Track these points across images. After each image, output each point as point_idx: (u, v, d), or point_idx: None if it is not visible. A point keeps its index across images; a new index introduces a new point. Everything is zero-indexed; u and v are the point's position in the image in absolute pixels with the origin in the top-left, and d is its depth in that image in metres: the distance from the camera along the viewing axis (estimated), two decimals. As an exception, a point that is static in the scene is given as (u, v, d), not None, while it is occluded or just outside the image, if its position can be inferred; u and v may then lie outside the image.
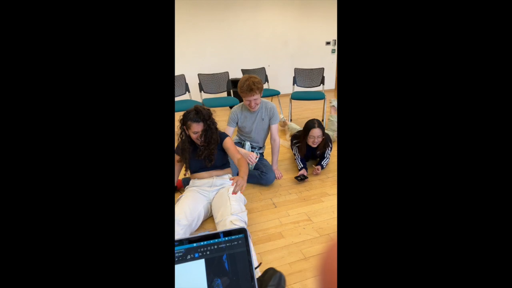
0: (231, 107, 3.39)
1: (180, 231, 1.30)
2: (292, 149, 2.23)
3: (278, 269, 1.11)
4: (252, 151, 2.11)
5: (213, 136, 1.54)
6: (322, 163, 2.14)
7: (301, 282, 1.18)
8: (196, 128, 1.49)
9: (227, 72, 3.55)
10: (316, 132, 2.03)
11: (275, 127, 2.03)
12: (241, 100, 2.35)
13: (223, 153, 1.66)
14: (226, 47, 4.56)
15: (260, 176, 1.95)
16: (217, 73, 3.48)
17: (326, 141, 2.11)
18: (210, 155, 1.56)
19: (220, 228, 1.35)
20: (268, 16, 4.66)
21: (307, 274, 1.21)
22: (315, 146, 2.09)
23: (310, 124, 2.06)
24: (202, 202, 1.51)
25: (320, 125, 2.06)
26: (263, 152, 2.20)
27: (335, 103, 3.06)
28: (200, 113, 1.50)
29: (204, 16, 4.29)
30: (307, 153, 2.18)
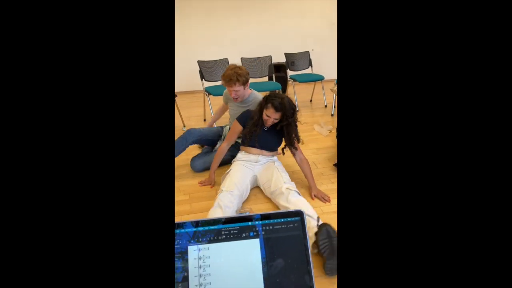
0: (272, 92, 3.35)
1: (234, 201, 1.43)
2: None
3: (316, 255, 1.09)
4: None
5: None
6: None
7: None
8: (274, 115, 1.57)
9: (270, 56, 3.48)
10: None
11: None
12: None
13: (279, 136, 1.70)
14: (270, 30, 4.46)
15: None
16: (260, 57, 3.44)
17: None
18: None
19: (277, 197, 1.47)
20: (315, -3, 4.42)
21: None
22: None
23: None
24: (249, 175, 1.63)
25: None
26: None
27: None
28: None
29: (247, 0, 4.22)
30: None
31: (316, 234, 1.13)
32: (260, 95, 1.92)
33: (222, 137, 2.04)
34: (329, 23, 4.57)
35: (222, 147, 1.76)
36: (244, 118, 1.71)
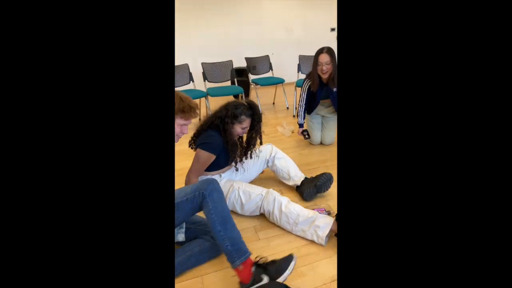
0: (235, 96, 3.38)
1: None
2: (301, 89, 2.15)
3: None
4: None
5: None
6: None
7: (310, 264, 1.20)
8: (247, 124, 1.48)
9: (231, 61, 3.52)
10: (323, 58, 1.91)
11: None
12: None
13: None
14: (230, 35, 4.50)
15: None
16: (221, 62, 3.46)
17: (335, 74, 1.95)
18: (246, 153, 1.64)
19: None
20: (272, 3, 4.57)
21: (315, 257, 1.24)
22: (325, 75, 1.98)
23: (318, 51, 1.95)
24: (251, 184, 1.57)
25: (330, 51, 1.90)
26: None
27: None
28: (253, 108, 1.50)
29: (207, 4, 4.22)
30: (320, 89, 2.07)
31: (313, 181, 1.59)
32: None
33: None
34: (286, 27, 4.75)
35: (192, 181, 1.43)
36: (212, 145, 1.43)
